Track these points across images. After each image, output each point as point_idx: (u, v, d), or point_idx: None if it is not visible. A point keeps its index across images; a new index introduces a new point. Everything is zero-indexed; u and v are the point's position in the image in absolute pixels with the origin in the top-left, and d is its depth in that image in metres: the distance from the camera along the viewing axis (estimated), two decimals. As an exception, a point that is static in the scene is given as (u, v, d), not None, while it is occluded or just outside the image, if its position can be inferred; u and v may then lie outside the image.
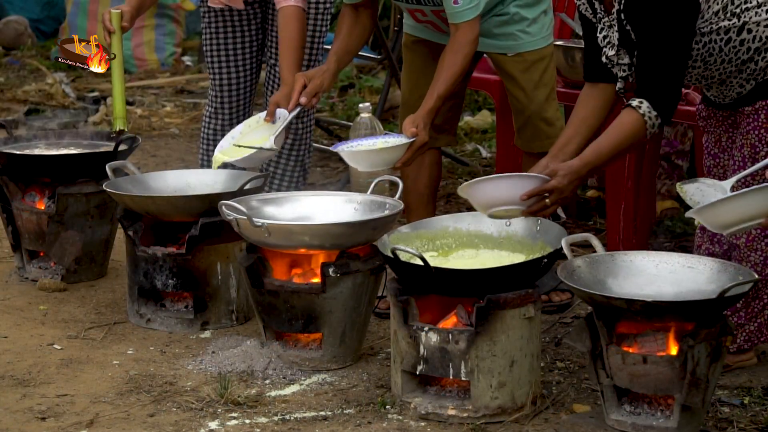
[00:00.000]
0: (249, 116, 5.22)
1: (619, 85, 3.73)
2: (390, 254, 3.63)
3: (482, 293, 3.55)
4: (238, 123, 5.18)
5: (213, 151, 5.21)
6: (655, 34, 3.55)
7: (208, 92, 5.31)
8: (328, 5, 5.08)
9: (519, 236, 3.82)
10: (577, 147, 3.74)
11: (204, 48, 5.25)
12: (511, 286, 3.57)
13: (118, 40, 4.72)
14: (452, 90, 4.23)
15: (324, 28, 5.12)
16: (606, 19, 3.67)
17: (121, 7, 4.81)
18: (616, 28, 3.64)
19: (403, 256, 3.61)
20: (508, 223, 3.78)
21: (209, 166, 5.15)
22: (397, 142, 4.10)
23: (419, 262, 3.52)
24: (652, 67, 3.56)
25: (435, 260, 3.71)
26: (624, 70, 3.68)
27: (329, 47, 4.73)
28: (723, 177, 3.89)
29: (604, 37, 3.69)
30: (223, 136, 5.17)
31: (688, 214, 3.41)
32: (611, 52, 3.67)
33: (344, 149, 4.09)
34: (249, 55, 5.18)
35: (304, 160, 5.29)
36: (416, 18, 4.42)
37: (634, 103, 3.57)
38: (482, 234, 3.89)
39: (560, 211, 3.82)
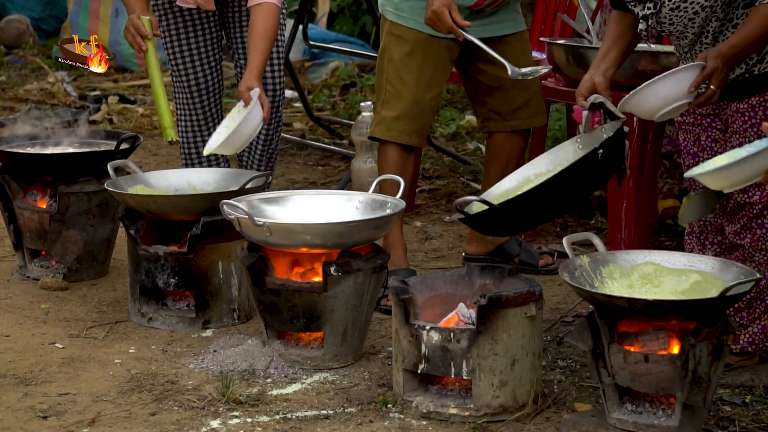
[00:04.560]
0: (222, 113, 5.21)
1: (641, 26, 3.75)
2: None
3: (549, 212, 3.75)
4: (213, 122, 5.19)
5: (194, 154, 5.22)
6: None
7: (174, 96, 5.22)
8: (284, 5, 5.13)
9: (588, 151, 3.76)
10: (618, 55, 3.83)
11: (167, 51, 5.14)
12: (576, 194, 3.69)
13: (153, 46, 4.69)
14: None
15: (284, 29, 5.16)
16: None
17: (145, 17, 4.76)
18: None
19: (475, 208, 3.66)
20: (579, 147, 3.78)
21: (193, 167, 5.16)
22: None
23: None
24: None
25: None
26: (649, 8, 3.67)
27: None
28: None
29: None
30: (201, 136, 5.17)
31: (621, 103, 3.56)
32: None
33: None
34: (213, 53, 5.16)
35: (275, 139, 5.27)
36: None
37: (766, 0, 3.56)
38: (560, 167, 3.79)
39: (615, 111, 3.77)
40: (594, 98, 3.73)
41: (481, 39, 4.43)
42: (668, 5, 3.66)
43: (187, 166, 5.25)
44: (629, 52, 3.90)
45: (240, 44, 5.10)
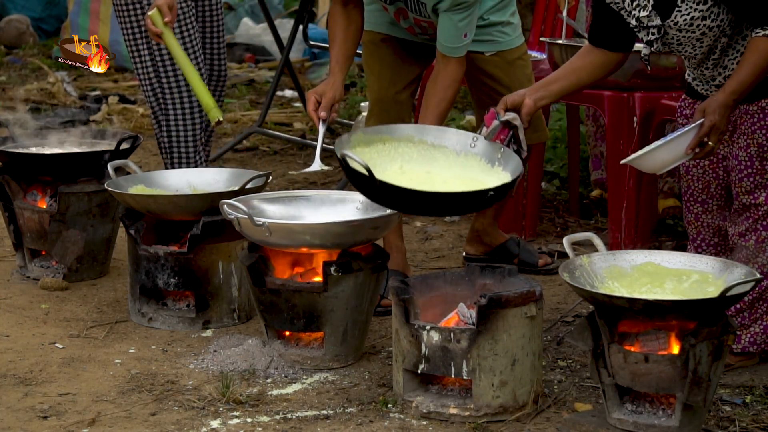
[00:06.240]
0: (202, 112, 5.17)
1: (644, 51, 3.74)
2: (340, 157, 3.62)
3: (424, 212, 3.89)
4: (201, 121, 5.18)
5: (175, 157, 5.21)
6: None
7: (156, 98, 5.20)
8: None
9: (479, 158, 3.82)
10: (560, 89, 3.81)
11: (153, 51, 5.14)
12: (451, 211, 4.03)
13: (170, 37, 4.68)
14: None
15: (221, 22, 5.26)
16: None
17: (155, 4, 4.74)
18: None
19: (352, 164, 3.57)
20: (472, 145, 3.81)
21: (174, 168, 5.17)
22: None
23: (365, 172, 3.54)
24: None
25: (387, 172, 3.71)
26: (653, 33, 3.66)
27: (327, 45, 4.75)
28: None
29: (632, 0, 3.67)
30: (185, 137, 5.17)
31: (623, 162, 3.65)
32: (643, 13, 3.65)
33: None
34: (198, 47, 5.18)
35: (208, 132, 5.29)
36: (397, 18, 4.44)
37: (761, 31, 3.55)
38: (445, 149, 3.88)
39: (523, 143, 3.78)
40: (512, 117, 3.75)
41: None
42: (674, 28, 3.64)
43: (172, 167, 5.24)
44: (576, 89, 3.89)
45: (213, 38, 5.19)
